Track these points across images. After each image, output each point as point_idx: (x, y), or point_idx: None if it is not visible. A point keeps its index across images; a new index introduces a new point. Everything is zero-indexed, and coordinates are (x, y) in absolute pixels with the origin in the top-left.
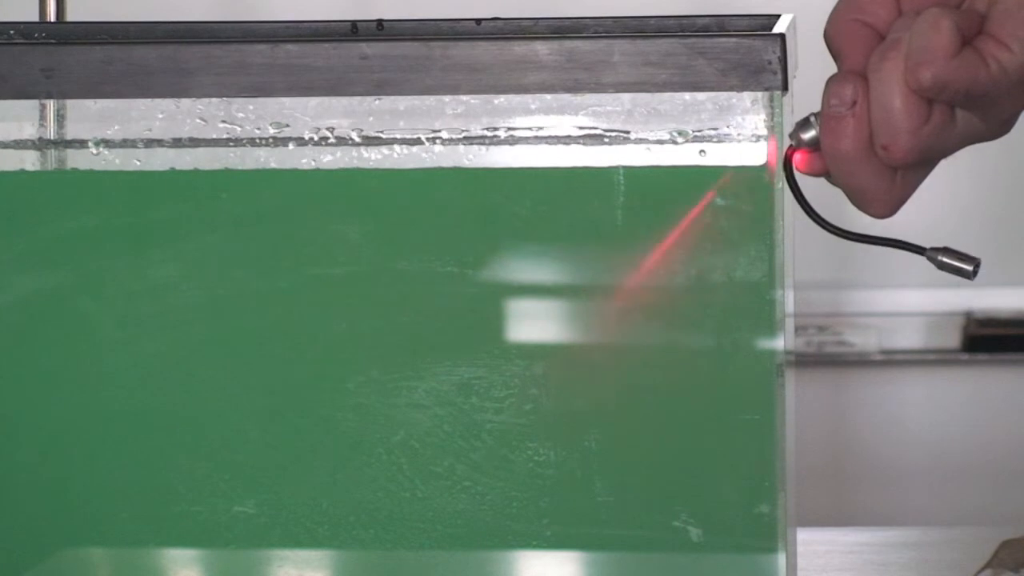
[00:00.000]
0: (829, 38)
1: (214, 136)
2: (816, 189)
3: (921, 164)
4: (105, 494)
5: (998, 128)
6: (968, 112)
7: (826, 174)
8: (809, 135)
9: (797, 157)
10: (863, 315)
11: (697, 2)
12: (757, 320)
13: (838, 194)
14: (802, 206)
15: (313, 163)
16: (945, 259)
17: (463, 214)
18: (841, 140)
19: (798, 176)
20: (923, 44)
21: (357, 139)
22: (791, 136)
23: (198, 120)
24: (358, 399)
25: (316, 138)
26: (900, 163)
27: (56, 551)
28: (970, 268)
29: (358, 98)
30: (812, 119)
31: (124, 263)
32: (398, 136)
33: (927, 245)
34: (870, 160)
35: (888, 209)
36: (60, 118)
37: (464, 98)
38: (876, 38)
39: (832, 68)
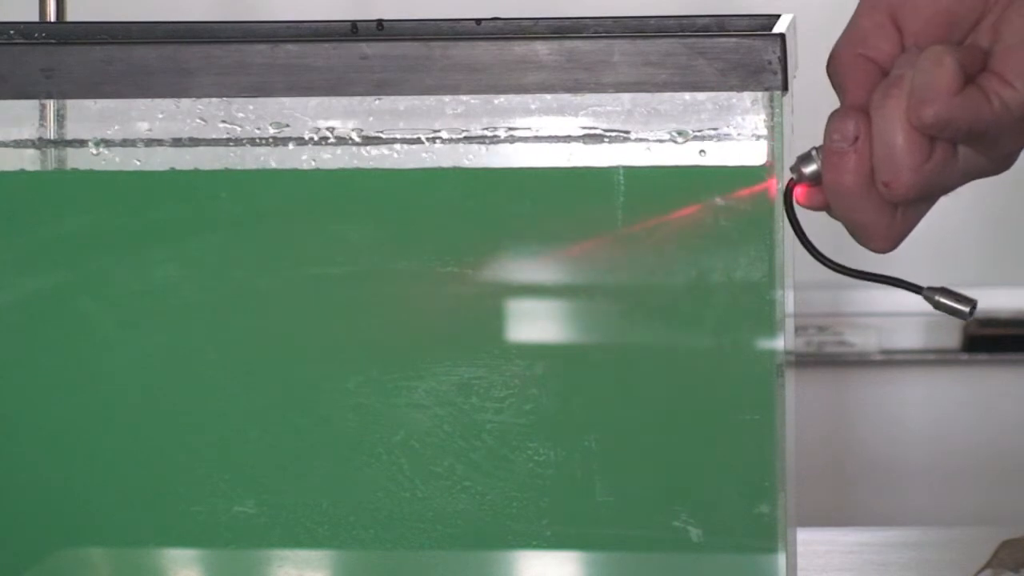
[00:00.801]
0: (832, 71)
1: (214, 136)
2: (816, 221)
3: (922, 200)
4: (105, 494)
5: (1000, 163)
6: (970, 148)
7: (826, 208)
8: (810, 169)
9: (798, 191)
10: (863, 315)
11: (697, 2)
12: (757, 320)
13: (838, 227)
14: (801, 241)
15: (313, 163)
16: (942, 299)
17: (463, 214)
18: (842, 175)
19: (798, 209)
20: (926, 82)
21: (357, 139)
22: (792, 169)
23: (198, 120)
24: (358, 399)
25: (316, 138)
26: (901, 200)
27: (56, 551)
28: (966, 309)
29: (358, 98)
30: (813, 153)
31: (124, 263)
32: (398, 136)
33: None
34: (871, 196)
35: (888, 244)
36: (60, 118)
37: (464, 98)
38: (879, 72)
39: None
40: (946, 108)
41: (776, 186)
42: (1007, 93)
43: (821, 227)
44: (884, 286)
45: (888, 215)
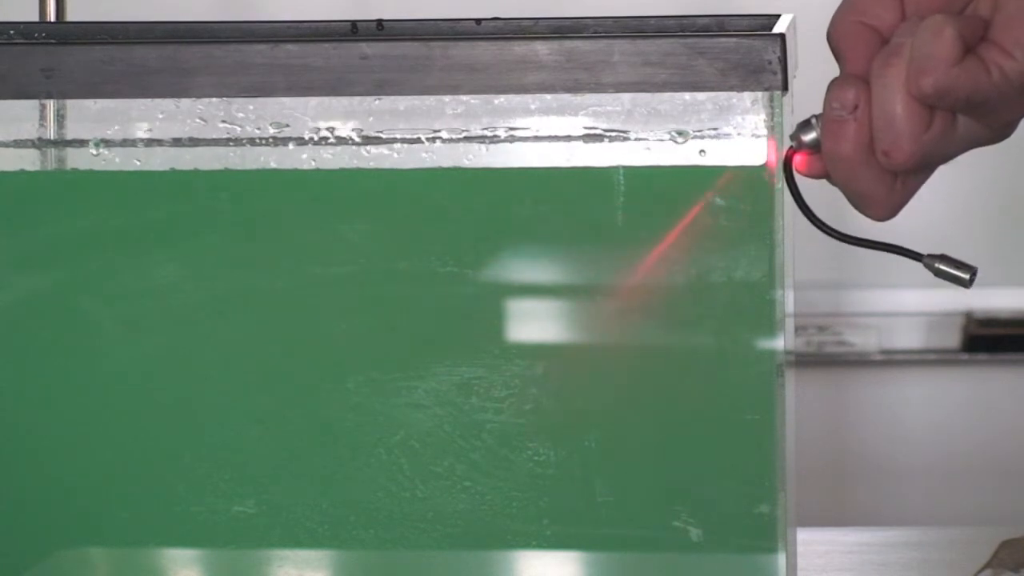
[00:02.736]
0: (832, 39)
1: (214, 136)
2: (815, 190)
3: (921, 169)
4: (105, 494)
5: (1000, 132)
6: (970, 117)
7: (826, 176)
8: (810, 137)
9: (797, 159)
10: (863, 315)
11: (697, 2)
12: (757, 320)
13: (838, 195)
14: (801, 208)
15: (313, 163)
16: (942, 266)
17: (463, 214)
18: (842, 144)
19: (797, 177)
20: (925, 52)
21: (357, 139)
22: (791, 137)
23: (198, 120)
24: (358, 399)
25: (316, 138)
26: (901, 168)
27: (56, 551)
28: (967, 276)
29: (358, 98)
30: (813, 121)
31: (124, 263)
32: (398, 136)
33: (926, 247)
34: (870, 164)
35: (887, 212)
36: (60, 118)
37: (464, 98)
38: (879, 41)
39: (832, 70)
40: (945, 78)
41: (776, 154)
42: (1007, 63)
43: (821, 199)
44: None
45: (887, 183)
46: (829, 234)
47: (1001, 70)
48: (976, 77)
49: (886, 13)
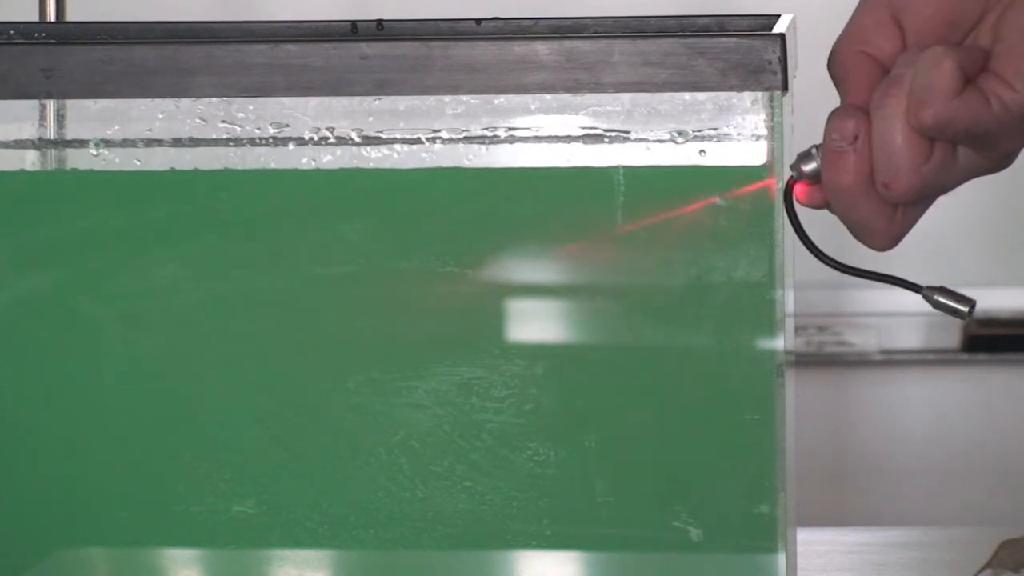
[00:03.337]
0: (833, 67)
1: (214, 136)
2: (816, 218)
3: (921, 200)
4: (105, 494)
5: (1000, 162)
6: (970, 148)
7: (826, 206)
8: (810, 167)
9: (797, 189)
10: (863, 315)
11: (697, 2)
12: (757, 320)
13: (839, 223)
14: (801, 238)
15: (313, 163)
16: (941, 299)
17: (463, 214)
18: (842, 175)
19: (798, 207)
20: (925, 84)
21: (357, 139)
22: (792, 168)
23: (198, 120)
24: (358, 399)
25: (316, 138)
26: (901, 200)
27: (56, 551)
28: (965, 309)
29: (358, 98)
30: (813, 151)
31: (124, 263)
32: (398, 136)
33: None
34: (870, 195)
35: (888, 242)
36: (60, 118)
37: (464, 98)
38: (880, 70)
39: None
40: (945, 110)
41: (775, 184)
42: (1007, 94)
43: (822, 225)
44: (884, 286)
45: (887, 214)
46: (830, 264)
47: (1001, 101)
48: (976, 109)
49: (887, 43)
